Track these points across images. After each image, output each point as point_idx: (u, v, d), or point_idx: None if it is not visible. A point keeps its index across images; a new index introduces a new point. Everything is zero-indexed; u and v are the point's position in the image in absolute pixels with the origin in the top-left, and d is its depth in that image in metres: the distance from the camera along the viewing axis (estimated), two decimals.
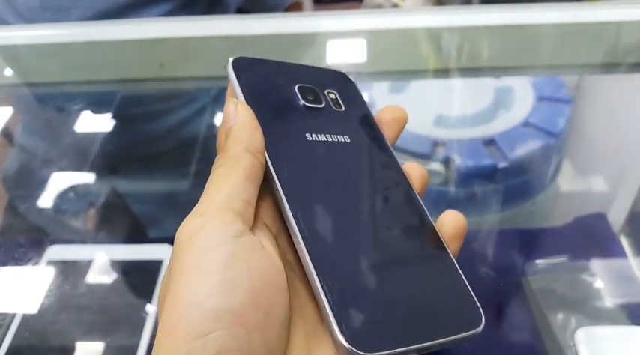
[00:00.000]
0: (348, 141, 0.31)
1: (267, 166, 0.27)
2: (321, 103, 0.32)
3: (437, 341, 0.24)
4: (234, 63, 0.31)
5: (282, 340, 0.24)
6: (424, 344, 0.23)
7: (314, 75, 0.34)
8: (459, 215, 0.29)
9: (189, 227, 0.24)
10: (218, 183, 0.26)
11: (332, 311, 0.23)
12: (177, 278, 0.23)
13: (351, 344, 0.22)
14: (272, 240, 0.27)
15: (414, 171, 0.32)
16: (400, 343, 0.23)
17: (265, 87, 0.31)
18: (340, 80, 0.35)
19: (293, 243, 0.26)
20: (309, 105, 0.31)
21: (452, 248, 0.29)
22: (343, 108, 0.32)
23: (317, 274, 0.24)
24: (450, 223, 0.29)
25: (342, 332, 0.23)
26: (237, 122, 0.28)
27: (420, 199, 0.30)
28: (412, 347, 0.23)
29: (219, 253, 0.23)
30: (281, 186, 0.27)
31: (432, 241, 0.28)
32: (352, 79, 0.35)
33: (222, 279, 0.22)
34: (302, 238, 0.25)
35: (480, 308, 0.26)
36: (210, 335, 0.21)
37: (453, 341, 0.24)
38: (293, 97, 0.31)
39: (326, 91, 0.33)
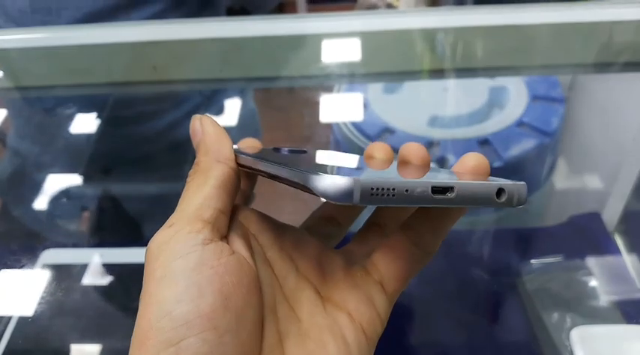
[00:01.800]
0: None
1: (246, 160, 0.28)
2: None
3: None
4: None
5: (255, 341, 0.24)
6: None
7: None
8: (479, 155, 0.27)
9: (158, 238, 0.25)
10: (189, 195, 0.26)
11: (309, 170, 0.22)
12: (147, 288, 0.23)
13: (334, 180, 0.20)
14: (247, 242, 0.27)
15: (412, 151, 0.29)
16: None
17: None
18: None
19: (275, 236, 0.27)
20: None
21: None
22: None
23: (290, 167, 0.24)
24: (469, 161, 0.26)
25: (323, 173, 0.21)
26: (204, 135, 0.28)
27: None
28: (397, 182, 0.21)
29: (186, 261, 0.23)
30: (264, 160, 0.26)
31: None
32: None
33: (190, 286, 0.22)
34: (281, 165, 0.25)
35: None
36: (181, 342, 0.21)
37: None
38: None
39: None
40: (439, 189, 0.21)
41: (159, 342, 0.21)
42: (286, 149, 0.30)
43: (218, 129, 0.29)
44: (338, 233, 0.33)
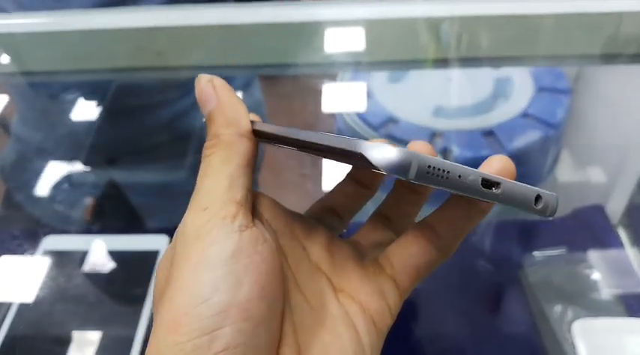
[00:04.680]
0: None
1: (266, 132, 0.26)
2: None
3: None
4: None
5: (279, 332, 0.24)
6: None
7: None
8: (506, 158, 0.26)
9: (193, 221, 0.24)
10: (216, 173, 0.25)
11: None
12: (180, 273, 0.22)
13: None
14: (268, 227, 0.26)
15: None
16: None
17: None
18: None
19: (286, 222, 0.27)
20: None
21: None
22: None
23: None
24: (496, 163, 0.25)
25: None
26: (221, 103, 0.26)
27: None
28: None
29: (223, 247, 0.22)
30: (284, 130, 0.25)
31: None
32: None
33: (227, 274, 0.22)
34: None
35: None
36: (217, 331, 0.21)
37: None
38: None
39: None
40: (488, 183, 0.21)
41: (193, 330, 0.21)
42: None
43: (234, 97, 0.27)
44: (339, 226, 0.32)
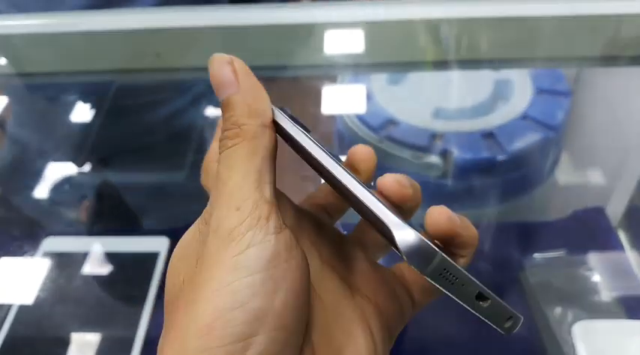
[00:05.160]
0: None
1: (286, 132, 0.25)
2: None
3: None
4: None
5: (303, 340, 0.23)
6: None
7: None
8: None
9: (228, 222, 0.22)
10: (242, 167, 0.23)
11: (388, 211, 0.22)
12: (215, 273, 0.21)
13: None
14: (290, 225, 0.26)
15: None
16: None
17: None
18: None
19: (296, 218, 0.26)
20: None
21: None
22: None
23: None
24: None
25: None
26: (242, 89, 0.24)
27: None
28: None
29: (261, 250, 0.21)
30: (317, 145, 0.25)
31: None
32: None
33: (267, 279, 0.21)
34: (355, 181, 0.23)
35: None
36: (252, 338, 0.20)
37: None
38: None
39: None
40: (481, 296, 0.22)
41: (227, 334, 0.20)
42: (293, 119, 0.27)
43: (257, 83, 0.25)
44: (328, 223, 0.31)
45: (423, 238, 0.21)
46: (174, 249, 0.24)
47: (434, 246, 0.21)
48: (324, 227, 0.28)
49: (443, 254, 0.21)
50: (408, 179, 0.25)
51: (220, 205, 0.23)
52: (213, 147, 0.28)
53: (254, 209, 0.22)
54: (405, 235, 0.21)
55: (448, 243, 0.24)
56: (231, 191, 0.23)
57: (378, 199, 0.22)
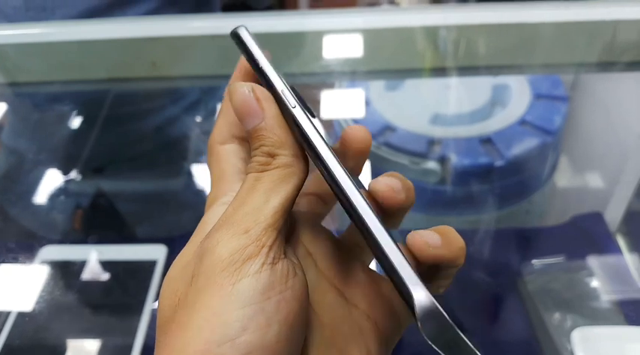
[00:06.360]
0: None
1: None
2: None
3: None
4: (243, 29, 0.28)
5: None
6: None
7: None
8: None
9: (230, 243, 0.22)
10: (267, 192, 0.23)
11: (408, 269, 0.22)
12: (208, 300, 0.21)
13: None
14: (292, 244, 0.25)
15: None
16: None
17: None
18: None
19: (291, 224, 0.25)
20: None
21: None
22: None
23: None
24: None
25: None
26: (267, 117, 0.24)
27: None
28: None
29: (256, 281, 0.21)
30: (336, 169, 0.24)
31: None
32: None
33: (258, 312, 0.21)
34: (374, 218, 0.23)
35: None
36: None
37: None
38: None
39: None
40: None
41: None
42: (300, 100, 0.26)
43: (277, 108, 0.25)
44: (323, 211, 0.30)
45: (439, 307, 0.21)
46: (170, 269, 0.24)
47: (449, 319, 0.21)
48: (320, 232, 0.28)
49: (456, 328, 0.21)
50: (401, 181, 0.25)
51: (229, 221, 0.22)
52: (219, 125, 0.28)
53: (262, 235, 0.22)
54: (423, 299, 0.21)
55: (434, 266, 0.24)
56: (246, 211, 0.23)
57: (396, 244, 0.22)
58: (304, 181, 0.24)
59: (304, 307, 0.22)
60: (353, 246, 0.29)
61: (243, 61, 0.28)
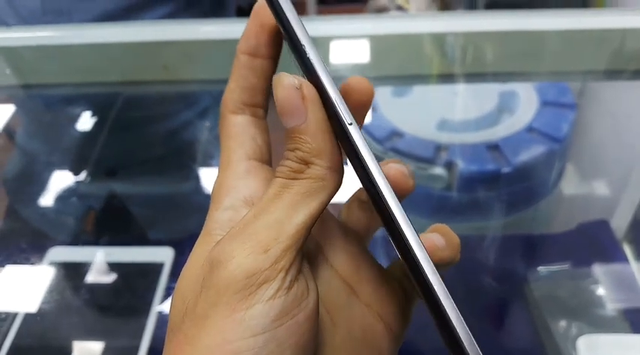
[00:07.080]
0: None
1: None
2: None
3: None
4: None
5: None
6: None
7: None
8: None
9: (246, 262, 0.20)
10: (292, 207, 0.21)
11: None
12: (220, 324, 0.20)
13: None
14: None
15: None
16: None
17: None
18: None
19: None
20: None
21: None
22: None
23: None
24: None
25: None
26: (310, 120, 0.22)
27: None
28: None
29: (269, 308, 0.20)
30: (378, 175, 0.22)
31: None
32: None
33: (269, 339, 0.20)
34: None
35: None
36: None
37: None
38: None
39: None
40: None
41: None
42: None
43: (323, 113, 0.22)
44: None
45: None
46: (181, 274, 0.23)
47: None
48: (332, 225, 0.27)
49: None
50: (409, 169, 0.25)
51: (246, 233, 0.21)
52: (230, 89, 0.26)
53: (280, 257, 0.20)
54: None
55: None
56: (268, 224, 0.21)
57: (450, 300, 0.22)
58: (333, 197, 0.22)
59: (315, 321, 0.21)
60: (350, 226, 0.28)
61: (258, 17, 0.25)
